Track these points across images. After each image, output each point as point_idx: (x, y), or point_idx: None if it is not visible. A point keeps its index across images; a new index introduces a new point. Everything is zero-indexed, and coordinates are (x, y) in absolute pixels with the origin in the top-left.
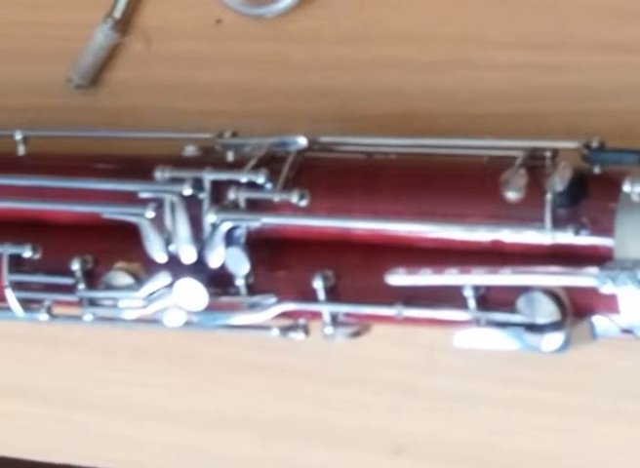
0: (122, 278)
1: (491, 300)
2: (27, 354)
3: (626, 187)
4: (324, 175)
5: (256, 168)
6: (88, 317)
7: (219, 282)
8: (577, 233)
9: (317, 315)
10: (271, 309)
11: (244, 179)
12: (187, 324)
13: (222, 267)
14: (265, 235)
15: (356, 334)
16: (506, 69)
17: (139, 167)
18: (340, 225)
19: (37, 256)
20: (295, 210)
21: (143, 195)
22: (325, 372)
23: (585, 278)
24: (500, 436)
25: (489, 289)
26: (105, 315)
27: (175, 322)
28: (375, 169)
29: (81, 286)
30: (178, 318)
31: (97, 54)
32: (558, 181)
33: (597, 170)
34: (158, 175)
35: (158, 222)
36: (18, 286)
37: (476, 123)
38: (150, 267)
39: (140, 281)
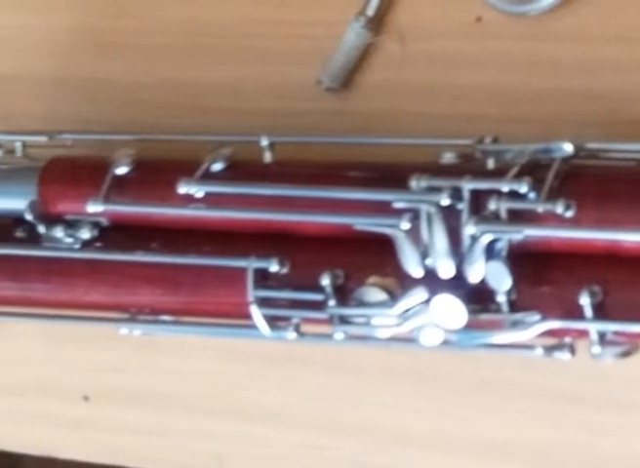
0: (375, 294)
1: None
2: (275, 375)
3: None
4: (591, 183)
5: (518, 176)
6: (339, 335)
7: (478, 298)
8: None
9: (584, 333)
10: (535, 327)
11: (505, 188)
12: (445, 343)
13: (483, 282)
14: (528, 248)
15: (626, 354)
16: None
17: (393, 175)
18: (609, 237)
19: (284, 271)
20: (560, 221)
21: (398, 205)
22: (592, 395)
23: None
24: None
25: None
26: (358, 333)
27: (432, 341)
28: None
29: (331, 302)
30: (435, 337)
31: (348, 54)
32: None
33: None
34: (414, 183)
35: (414, 234)
36: (264, 302)
37: None
38: (405, 282)
39: (394, 297)
